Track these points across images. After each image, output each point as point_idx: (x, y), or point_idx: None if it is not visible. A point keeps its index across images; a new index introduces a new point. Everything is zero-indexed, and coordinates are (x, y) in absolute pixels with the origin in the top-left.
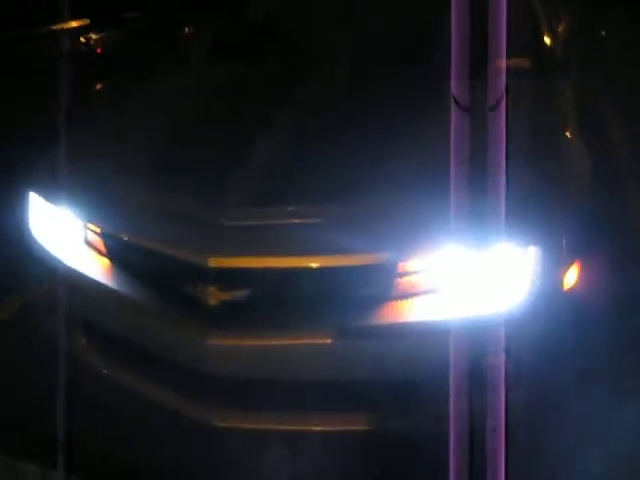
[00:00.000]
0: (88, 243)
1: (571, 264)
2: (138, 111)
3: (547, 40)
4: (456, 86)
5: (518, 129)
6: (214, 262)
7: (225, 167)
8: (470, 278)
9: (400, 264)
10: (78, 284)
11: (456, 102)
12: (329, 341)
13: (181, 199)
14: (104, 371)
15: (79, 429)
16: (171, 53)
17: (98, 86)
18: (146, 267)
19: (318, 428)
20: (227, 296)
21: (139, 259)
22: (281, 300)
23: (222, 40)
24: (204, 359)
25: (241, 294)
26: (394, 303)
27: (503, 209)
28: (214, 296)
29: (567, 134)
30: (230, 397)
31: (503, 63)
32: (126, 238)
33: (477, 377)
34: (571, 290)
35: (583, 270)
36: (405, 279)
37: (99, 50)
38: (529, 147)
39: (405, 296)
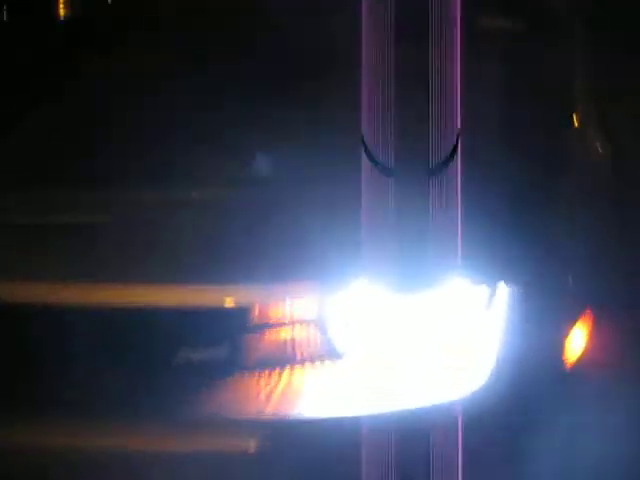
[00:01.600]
0: None
1: (577, 317)
2: None
3: None
4: None
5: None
6: None
7: None
8: (396, 340)
9: (260, 310)
10: None
11: None
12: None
13: None
14: None
15: None
16: None
17: None
18: None
19: None
20: None
21: None
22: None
23: None
24: None
25: None
26: (246, 378)
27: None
28: None
29: (574, 119)
30: None
31: None
32: None
33: None
34: (578, 359)
35: (597, 326)
36: (269, 334)
37: None
38: (518, 134)
39: (268, 367)
